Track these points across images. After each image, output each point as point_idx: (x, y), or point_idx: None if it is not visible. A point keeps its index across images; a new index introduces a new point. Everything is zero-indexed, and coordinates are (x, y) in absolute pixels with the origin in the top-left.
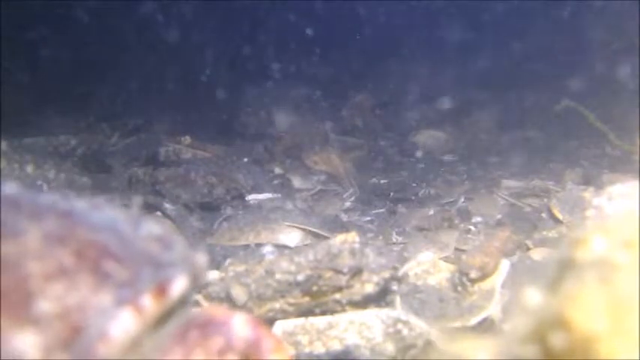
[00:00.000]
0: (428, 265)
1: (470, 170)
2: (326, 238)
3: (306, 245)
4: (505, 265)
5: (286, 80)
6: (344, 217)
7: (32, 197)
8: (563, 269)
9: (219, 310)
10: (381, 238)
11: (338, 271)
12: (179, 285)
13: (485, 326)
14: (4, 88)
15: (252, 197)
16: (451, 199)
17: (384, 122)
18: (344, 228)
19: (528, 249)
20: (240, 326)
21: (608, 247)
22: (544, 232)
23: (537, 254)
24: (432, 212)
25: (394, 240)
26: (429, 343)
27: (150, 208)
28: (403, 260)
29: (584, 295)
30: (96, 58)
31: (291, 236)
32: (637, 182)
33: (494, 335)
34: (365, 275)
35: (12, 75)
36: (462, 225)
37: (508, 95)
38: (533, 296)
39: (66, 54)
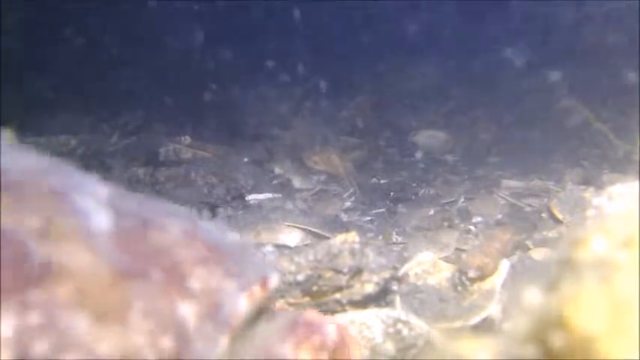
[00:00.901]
0: (428, 265)
1: (470, 170)
2: (326, 238)
3: (306, 245)
4: (505, 265)
5: (286, 80)
6: (344, 217)
7: (159, 202)
8: (563, 269)
9: (315, 314)
10: (381, 238)
11: (338, 271)
12: (274, 281)
13: (485, 326)
14: (5, 87)
15: (252, 197)
16: (451, 199)
17: (384, 122)
18: (344, 228)
19: (528, 249)
20: (332, 329)
21: (608, 247)
22: (544, 232)
23: (537, 254)
24: (432, 212)
25: (394, 240)
26: (428, 343)
27: None
28: (403, 260)
29: (584, 295)
30: (96, 57)
31: (291, 236)
32: (637, 182)
33: (494, 335)
34: (365, 275)
35: (12, 75)
36: (462, 225)
37: (508, 95)
38: (533, 296)
39: (66, 54)
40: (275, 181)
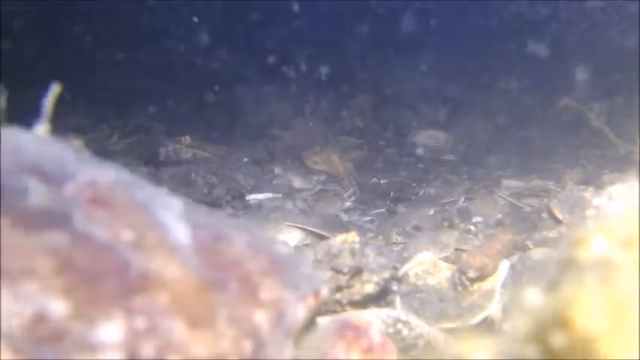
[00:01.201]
0: (428, 265)
1: (470, 170)
2: (326, 238)
3: (306, 245)
4: (505, 265)
5: (286, 80)
6: (344, 217)
7: (225, 216)
8: (563, 269)
9: (361, 319)
10: (381, 238)
11: (338, 271)
12: (325, 292)
13: (486, 326)
14: (5, 87)
15: (252, 197)
16: (451, 199)
17: (384, 122)
18: (344, 228)
19: (528, 249)
20: (376, 332)
21: (608, 247)
22: (544, 232)
23: (537, 254)
24: (432, 212)
25: (394, 240)
26: (429, 344)
27: None
28: (403, 260)
29: (584, 295)
30: (96, 57)
31: (292, 236)
32: (637, 182)
33: (494, 335)
34: (365, 275)
35: (13, 75)
36: (462, 225)
37: (508, 95)
38: (533, 296)
39: (66, 54)
40: (275, 181)
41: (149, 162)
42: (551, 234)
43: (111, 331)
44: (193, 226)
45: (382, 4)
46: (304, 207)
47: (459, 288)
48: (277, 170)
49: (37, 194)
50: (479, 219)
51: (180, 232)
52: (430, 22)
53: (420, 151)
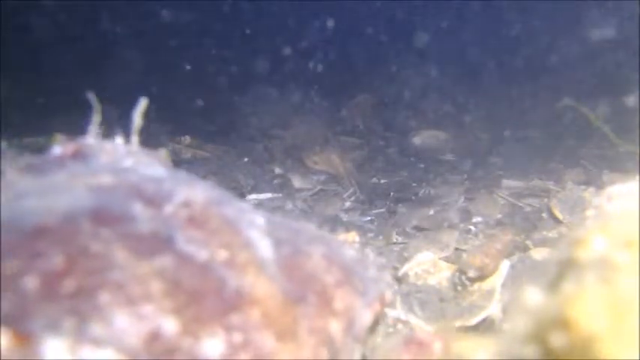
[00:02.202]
0: (428, 265)
1: (470, 170)
2: None
3: None
4: (505, 265)
5: (286, 80)
6: (344, 217)
7: (307, 227)
8: (564, 269)
9: (426, 335)
10: (381, 238)
11: None
12: (389, 296)
13: (485, 326)
14: (5, 87)
15: (252, 197)
16: (451, 199)
17: (384, 122)
18: (344, 228)
19: (528, 249)
20: (438, 347)
21: (609, 247)
22: (544, 232)
23: (537, 254)
24: (432, 212)
25: (394, 240)
26: None
27: None
28: (403, 260)
29: (584, 295)
30: (97, 57)
31: None
32: (637, 182)
33: (494, 335)
34: None
35: (13, 74)
36: (462, 225)
37: (508, 95)
38: (533, 296)
39: (67, 54)
40: (275, 181)
41: None
42: (551, 234)
43: (214, 345)
44: (276, 242)
45: (382, 4)
46: (304, 207)
47: (459, 288)
48: (277, 170)
49: (144, 220)
50: (479, 219)
51: (265, 248)
52: (430, 22)
53: (420, 150)
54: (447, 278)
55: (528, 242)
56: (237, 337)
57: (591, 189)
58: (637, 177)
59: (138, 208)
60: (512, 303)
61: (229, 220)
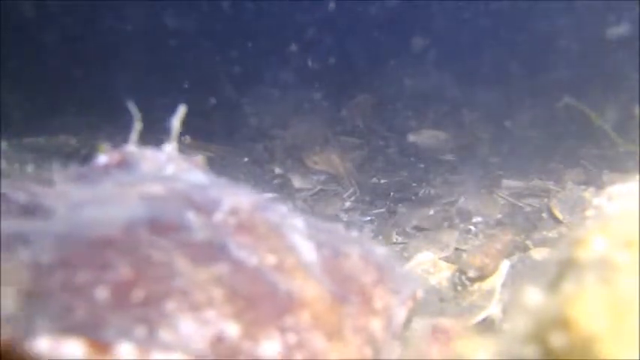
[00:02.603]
0: (428, 265)
1: (470, 170)
2: None
3: None
4: (505, 265)
5: (286, 80)
6: (344, 217)
7: (342, 228)
8: (563, 269)
9: (448, 322)
10: (381, 238)
11: None
12: (420, 293)
13: (485, 326)
14: (6, 87)
15: None
16: (451, 199)
17: (384, 122)
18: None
19: (528, 249)
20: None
21: (609, 247)
22: (544, 232)
23: (537, 254)
24: (432, 212)
25: (394, 240)
26: None
27: None
28: (403, 260)
29: (584, 295)
30: (97, 57)
31: None
32: (637, 182)
33: (494, 335)
34: None
35: (13, 74)
36: (462, 225)
37: (508, 95)
38: (533, 296)
39: (67, 54)
40: (275, 181)
41: None
42: (551, 234)
43: (272, 347)
44: (317, 245)
45: (383, 4)
46: (304, 207)
47: (459, 288)
48: (277, 170)
49: (197, 228)
50: (479, 219)
51: (308, 252)
52: (431, 22)
53: (420, 151)
54: (447, 278)
55: (528, 242)
56: (292, 338)
57: (591, 189)
58: (637, 177)
59: (191, 217)
60: (512, 303)
61: (274, 226)
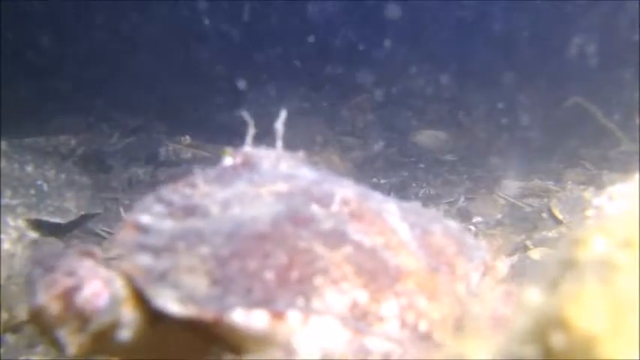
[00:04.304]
0: None
1: (470, 170)
2: None
3: None
4: (505, 264)
5: (286, 80)
6: None
7: (422, 209)
8: (563, 269)
9: (512, 286)
10: None
11: None
12: (487, 258)
13: None
14: (5, 87)
15: None
16: (451, 199)
17: (384, 122)
18: None
19: (528, 249)
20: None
21: (609, 247)
22: (544, 232)
23: (537, 254)
24: None
25: None
26: None
27: None
28: None
29: (584, 295)
30: (97, 58)
31: None
32: (637, 182)
33: (494, 335)
34: None
35: (13, 74)
36: (462, 225)
37: (508, 95)
38: (533, 296)
39: (67, 54)
40: None
41: (149, 162)
42: (551, 234)
43: (391, 307)
44: (410, 225)
45: (383, 4)
46: None
47: None
48: None
49: (323, 219)
50: (479, 219)
51: (405, 232)
52: (431, 22)
53: (420, 151)
54: None
55: (528, 242)
56: (404, 301)
57: (591, 189)
58: (637, 177)
59: (316, 209)
60: (512, 303)
61: (376, 212)
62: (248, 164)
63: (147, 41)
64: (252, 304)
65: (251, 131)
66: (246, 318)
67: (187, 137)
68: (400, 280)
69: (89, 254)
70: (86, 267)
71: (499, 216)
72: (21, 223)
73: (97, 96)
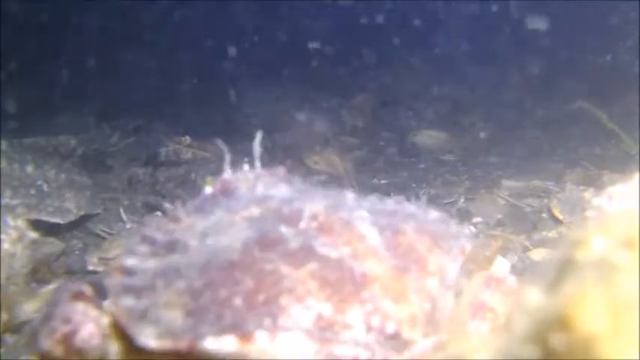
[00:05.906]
0: None
1: (470, 170)
2: None
3: None
4: (505, 265)
5: (286, 80)
6: None
7: (398, 207)
8: (563, 269)
9: (500, 273)
10: None
11: None
12: (469, 247)
13: None
14: (6, 87)
15: None
16: (451, 199)
17: (384, 122)
18: None
19: (528, 249)
20: (512, 280)
21: (609, 248)
22: (544, 233)
23: (537, 254)
24: None
25: None
26: None
27: (150, 208)
28: None
29: (584, 296)
30: (97, 58)
31: None
32: (637, 182)
33: (494, 335)
34: None
35: (13, 74)
36: (462, 225)
37: (509, 95)
38: (533, 296)
39: (67, 54)
40: None
41: (149, 162)
42: (551, 234)
43: (356, 314)
44: (380, 229)
45: (383, 4)
46: None
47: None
48: None
49: (291, 238)
50: (479, 219)
51: (374, 237)
52: (431, 22)
53: (420, 151)
54: None
55: (528, 242)
56: (369, 307)
57: (591, 189)
58: (637, 177)
59: (284, 230)
60: (512, 303)
61: (345, 221)
62: (227, 191)
63: (147, 41)
64: (222, 330)
65: (227, 158)
66: (217, 344)
67: (187, 137)
68: (366, 286)
69: (80, 296)
70: (79, 312)
71: (499, 216)
72: (21, 223)
73: (97, 96)
